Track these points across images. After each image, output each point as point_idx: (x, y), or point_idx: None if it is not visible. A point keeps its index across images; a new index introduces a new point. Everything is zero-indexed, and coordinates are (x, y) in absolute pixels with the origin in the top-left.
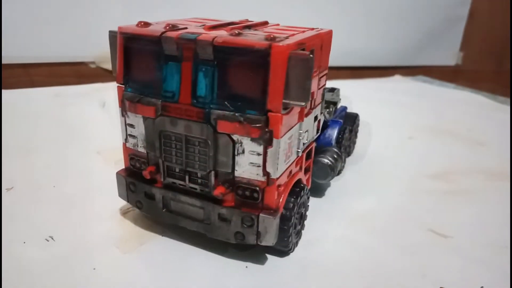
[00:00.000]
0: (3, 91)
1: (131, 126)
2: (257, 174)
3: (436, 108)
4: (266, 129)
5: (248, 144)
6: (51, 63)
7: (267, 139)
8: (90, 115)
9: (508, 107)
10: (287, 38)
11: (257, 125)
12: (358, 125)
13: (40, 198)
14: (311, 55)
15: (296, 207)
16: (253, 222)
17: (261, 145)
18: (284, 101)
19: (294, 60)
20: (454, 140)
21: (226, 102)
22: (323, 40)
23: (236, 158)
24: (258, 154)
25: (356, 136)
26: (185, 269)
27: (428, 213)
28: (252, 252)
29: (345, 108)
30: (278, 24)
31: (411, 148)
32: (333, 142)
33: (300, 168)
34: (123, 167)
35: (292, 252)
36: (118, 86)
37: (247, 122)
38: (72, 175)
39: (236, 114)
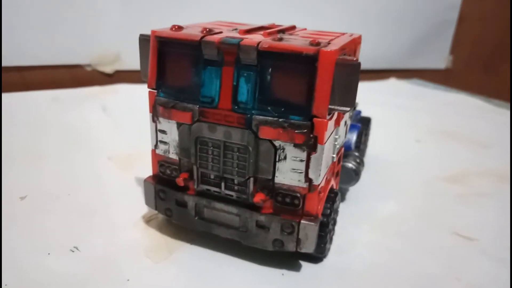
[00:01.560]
0: None
1: (163, 132)
2: (299, 181)
3: (436, 111)
4: (311, 135)
5: (290, 150)
6: (46, 65)
7: (311, 145)
8: (93, 119)
9: (504, 110)
10: (329, 43)
11: (302, 130)
12: (370, 129)
13: (56, 207)
14: (359, 61)
15: (332, 213)
16: (293, 229)
17: (304, 151)
18: (329, 106)
19: (341, 65)
20: (460, 143)
21: (269, 108)
22: (356, 45)
23: (277, 164)
24: (301, 160)
25: (368, 140)
26: (221, 278)
27: (449, 216)
28: (285, 259)
29: (359, 112)
30: (305, 29)
31: (420, 151)
32: (353, 146)
33: (333, 173)
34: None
35: (325, 258)
36: (149, 91)
37: (291, 128)
38: (86, 182)
39: (280, 120)
